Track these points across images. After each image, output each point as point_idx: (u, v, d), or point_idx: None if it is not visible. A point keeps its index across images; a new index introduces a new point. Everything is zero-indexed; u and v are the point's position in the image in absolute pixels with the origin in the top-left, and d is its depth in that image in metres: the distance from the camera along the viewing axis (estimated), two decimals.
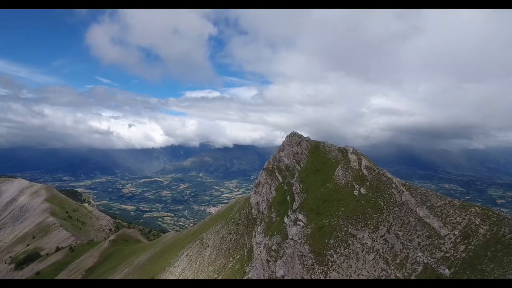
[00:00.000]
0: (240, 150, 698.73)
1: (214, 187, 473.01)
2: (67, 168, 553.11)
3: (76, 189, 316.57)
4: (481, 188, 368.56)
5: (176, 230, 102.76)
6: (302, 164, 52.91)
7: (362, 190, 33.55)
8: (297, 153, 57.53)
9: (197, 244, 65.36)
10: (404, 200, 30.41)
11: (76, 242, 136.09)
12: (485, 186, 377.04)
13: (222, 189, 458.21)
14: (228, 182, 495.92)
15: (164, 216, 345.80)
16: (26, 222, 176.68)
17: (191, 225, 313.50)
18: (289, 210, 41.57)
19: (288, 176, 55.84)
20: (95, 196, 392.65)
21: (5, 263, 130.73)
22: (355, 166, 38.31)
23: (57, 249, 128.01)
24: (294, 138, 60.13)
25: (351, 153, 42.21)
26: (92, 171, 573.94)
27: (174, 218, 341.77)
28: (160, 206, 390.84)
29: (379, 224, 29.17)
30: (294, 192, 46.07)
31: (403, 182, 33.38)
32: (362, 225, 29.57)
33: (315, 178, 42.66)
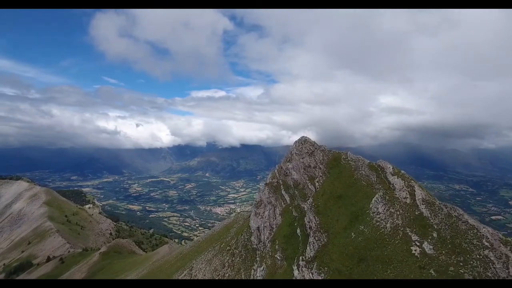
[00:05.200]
0: (247, 149, 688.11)
1: (221, 187, 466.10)
2: (75, 168, 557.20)
3: (82, 189, 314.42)
4: (492, 189, 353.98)
5: (170, 245, 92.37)
6: (317, 183, 39.31)
7: (427, 247, 19.72)
8: (310, 166, 43.91)
9: (185, 275, 53.36)
10: None
11: (69, 251, 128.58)
12: (497, 187, 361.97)
13: (228, 189, 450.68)
14: (234, 182, 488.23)
15: (170, 217, 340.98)
16: (23, 227, 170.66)
17: (196, 225, 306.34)
18: (301, 257, 28.45)
19: (298, 197, 42.50)
20: (102, 196, 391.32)
21: None
22: (405, 198, 24.40)
23: (48, 259, 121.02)
24: (305, 146, 46.38)
25: (393, 175, 28.21)
26: (100, 170, 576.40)
27: (180, 218, 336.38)
28: (166, 206, 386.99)
29: None
30: (307, 226, 32.78)
31: (500, 235, 19.30)
32: None
33: (338, 210, 28.98)
